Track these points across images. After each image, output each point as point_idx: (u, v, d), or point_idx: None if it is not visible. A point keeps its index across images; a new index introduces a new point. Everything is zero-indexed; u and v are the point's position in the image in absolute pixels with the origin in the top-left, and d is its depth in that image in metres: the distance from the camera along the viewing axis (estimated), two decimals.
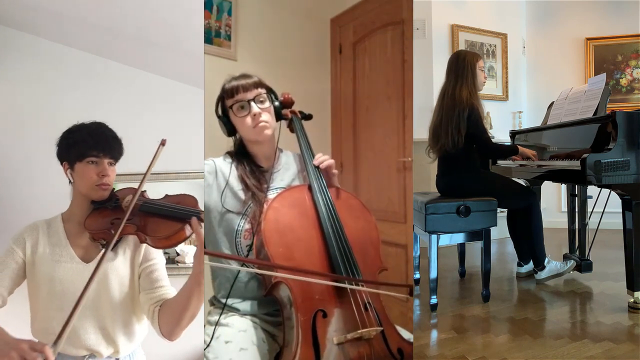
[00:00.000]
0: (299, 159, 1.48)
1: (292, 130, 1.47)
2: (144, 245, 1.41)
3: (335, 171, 1.38)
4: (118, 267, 1.38)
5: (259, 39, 2.87)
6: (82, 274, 1.34)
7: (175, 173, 2.60)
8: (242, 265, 1.28)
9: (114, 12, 2.27)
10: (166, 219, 1.28)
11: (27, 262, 1.37)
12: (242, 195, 1.32)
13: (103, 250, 1.27)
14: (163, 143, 1.33)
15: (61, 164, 1.44)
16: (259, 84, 1.37)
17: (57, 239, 1.39)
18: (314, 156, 1.38)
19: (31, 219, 2.62)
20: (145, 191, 1.41)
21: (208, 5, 2.66)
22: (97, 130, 1.43)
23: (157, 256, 1.44)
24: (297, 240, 1.20)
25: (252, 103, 1.34)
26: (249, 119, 1.33)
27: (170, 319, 1.30)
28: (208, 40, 2.65)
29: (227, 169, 1.36)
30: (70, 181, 1.44)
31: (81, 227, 1.38)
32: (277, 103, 1.41)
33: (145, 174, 1.32)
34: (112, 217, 1.33)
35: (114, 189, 1.44)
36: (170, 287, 1.42)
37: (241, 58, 2.78)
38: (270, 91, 1.41)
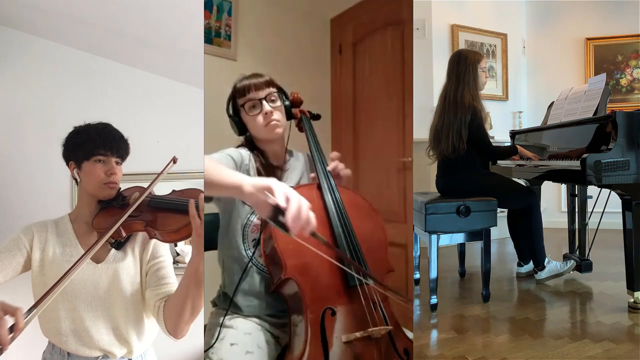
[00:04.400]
0: (306, 159, 1.49)
1: (300, 130, 1.48)
2: (152, 242, 1.43)
3: (346, 171, 1.39)
4: (128, 266, 1.39)
5: (259, 39, 2.87)
6: (93, 274, 1.35)
7: (175, 173, 2.60)
8: (249, 261, 1.28)
9: (114, 12, 2.27)
10: (174, 213, 1.30)
11: (33, 258, 1.37)
12: None
13: (102, 240, 1.26)
14: (174, 160, 1.38)
15: (67, 164, 1.44)
16: (271, 83, 1.39)
17: (67, 239, 1.40)
18: (323, 155, 1.39)
19: (31, 219, 2.61)
20: (152, 190, 1.42)
21: (208, 5, 2.66)
22: (104, 130, 1.44)
23: (165, 253, 1.45)
24: (306, 238, 1.20)
25: (264, 102, 1.34)
26: (260, 118, 1.34)
27: (172, 313, 1.30)
28: (208, 40, 2.65)
29: (247, 161, 1.36)
30: (76, 181, 1.44)
31: (89, 227, 1.39)
32: (287, 102, 1.42)
33: (157, 176, 1.34)
34: (120, 215, 1.33)
35: (120, 188, 1.45)
36: (176, 284, 1.41)
37: (241, 58, 2.78)
38: (280, 90, 1.42)
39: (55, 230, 1.42)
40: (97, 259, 1.38)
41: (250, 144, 1.41)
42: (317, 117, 1.53)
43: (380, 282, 1.18)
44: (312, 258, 1.17)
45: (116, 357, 1.38)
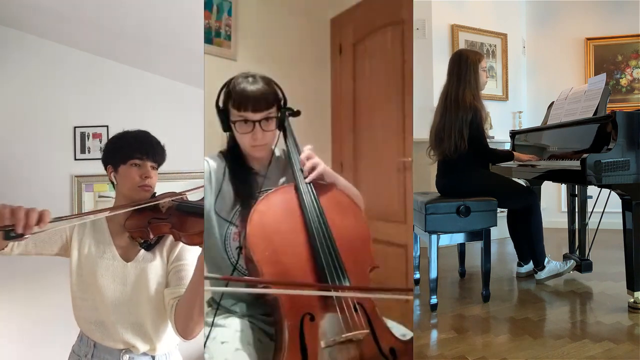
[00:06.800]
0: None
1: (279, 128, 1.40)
2: (180, 246, 1.48)
3: (314, 161, 1.30)
4: (156, 267, 1.44)
5: (259, 39, 2.86)
6: (122, 271, 1.42)
7: (175, 173, 2.60)
8: (234, 268, 1.27)
9: (115, 13, 2.27)
10: (199, 217, 1.33)
11: (71, 254, 1.45)
12: (232, 199, 1.30)
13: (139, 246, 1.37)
14: None
15: (105, 168, 1.52)
16: (272, 100, 1.29)
17: (102, 236, 1.47)
18: (300, 154, 1.31)
19: None
20: (185, 195, 1.48)
21: (208, 5, 2.66)
22: (141, 135, 1.52)
23: (189, 258, 1.48)
24: (283, 244, 1.17)
25: (258, 125, 1.26)
26: (249, 138, 1.27)
27: (182, 312, 1.33)
28: (208, 40, 2.65)
29: (220, 171, 1.33)
30: (113, 184, 1.52)
31: (122, 228, 1.44)
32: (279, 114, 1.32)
33: (196, 188, 1.39)
34: (150, 217, 1.39)
35: (155, 193, 1.50)
36: None
37: (241, 58, 2.78)
38: (280, 100, 1.32)
39: (93, 227, 1.49)
40: (127, 258, 1.44)
41: (233, 148, 1.35)
42: (296, 113, 1.40)
43: (357, 287, 1.16)
44: (289, 265, 1.15)
45: (139, 352, 1.43)
